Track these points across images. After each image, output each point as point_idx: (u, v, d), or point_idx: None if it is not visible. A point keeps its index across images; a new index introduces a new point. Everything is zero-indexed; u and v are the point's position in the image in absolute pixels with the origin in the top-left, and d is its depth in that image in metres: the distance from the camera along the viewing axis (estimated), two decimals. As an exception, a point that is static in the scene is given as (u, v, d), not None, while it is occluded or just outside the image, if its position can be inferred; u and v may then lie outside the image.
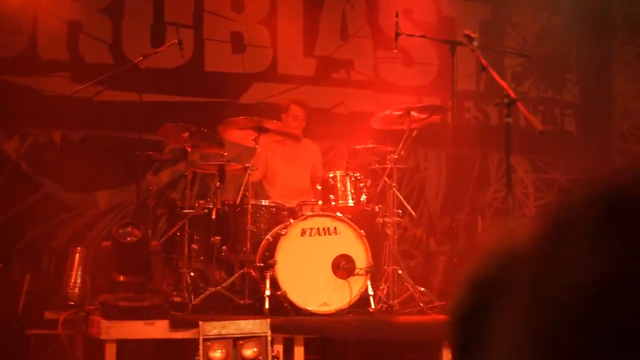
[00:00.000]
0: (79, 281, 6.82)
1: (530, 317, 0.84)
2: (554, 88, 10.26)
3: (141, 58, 7.18)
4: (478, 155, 9.79)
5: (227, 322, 5.51)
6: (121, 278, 6.05)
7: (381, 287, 6.78)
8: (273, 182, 7.76)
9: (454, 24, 9.80)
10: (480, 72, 9.61)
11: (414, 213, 7.37)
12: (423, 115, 7.35)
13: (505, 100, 4.17)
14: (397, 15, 7.22)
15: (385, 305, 6.69)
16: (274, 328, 5.62)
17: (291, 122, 7.66)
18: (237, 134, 7.03)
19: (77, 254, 6.93)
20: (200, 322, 5.43)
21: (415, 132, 7.25)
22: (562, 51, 10.23)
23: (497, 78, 4.32)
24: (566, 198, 0.89)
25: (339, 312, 6.37)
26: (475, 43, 4.54)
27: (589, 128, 10.31)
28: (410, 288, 6.85)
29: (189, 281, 6.55)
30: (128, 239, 6.04)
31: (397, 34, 7.14)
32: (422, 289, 6.92)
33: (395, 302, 6.70)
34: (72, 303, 6.75)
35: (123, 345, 5.67)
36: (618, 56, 10.51)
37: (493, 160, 9.87)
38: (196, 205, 6.86)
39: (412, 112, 7.23)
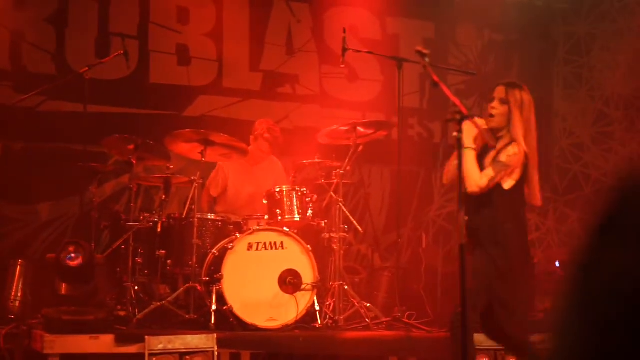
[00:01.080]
0: (19, 294, 6.68)
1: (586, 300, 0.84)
2: (496, 106, 10.37)
3: (86, 68, 7.08)
4: (421, 171, 9.85)
5: (173, 337, 5.45)
6: (64, 291, 5.94)
7: (327, 303, 6.78)
8: (231, 200, 7.72)
9: (399, 41, 9.87)
10: (430, 88, 9.76)
11: (360, 229, 7.39)
12: (369, 131, 7.38)
13: (458, 116, 4.19)
14: (344, 31, 7.24)
15: (332, 321, 6.68)
16: (220, 343, 5.58)
17: (255, 151, 7.72)
18: (183, 147, 6.98)
19: (18, 267, 6.80)
20: (147, 337, 5.37)
21: (361, 147, 7.27)
22: (504, 69, 10.35)
23: (449, 94, 4.34)
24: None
25: (286, 328, 6.35)
26: (427, 59, 4.55)
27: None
28: (357, 304, 6.86)
29: (133, 295, 6.47)
30: (71, 263, 5.92)
31: (345, 49, 7.16)
32: (368, 304, 6.93)
33: (341, 317, 6.70)
34: (13, 317, 6.61)
35: (66, 360, 5.57)
36: (558, 76, 10.68)
37: (437, 177, 9.94)
38: (141, 218, 6.78)
39: (359, 128, 7.25)
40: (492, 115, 4.91)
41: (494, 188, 4.90)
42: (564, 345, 0.88)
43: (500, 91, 4.96)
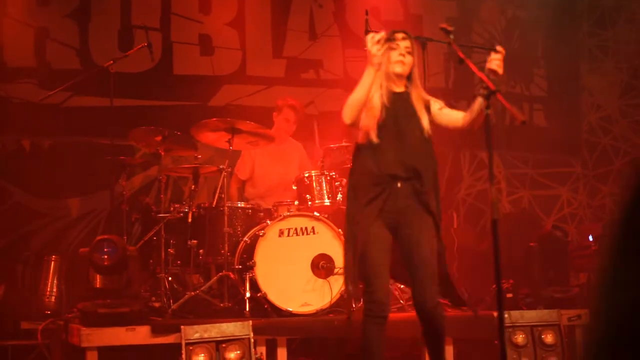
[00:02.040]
0: (54, 290, 6.74)
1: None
2: (522, 83, 10.30)
3: (111, 62, 7.08)
4: (450, 152, 9.80)
5: (208, 326, 5.45)
6: (99, 284, 5.96)
7: (360, 286, 6.74)
8: (259, 182, 7.70)
9: (422, 21, 9.82)
10: (455, 68, 9.73)
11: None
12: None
13: (485, 91, 4.14)
14: (366, 13, 7.14)
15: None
16: (256, 330, 5.57)
17: (282, 123, 7.67)
18: (210, 136, 6.97)
19: (52, 262, 6.85)
20: (182, 327, 5.37)
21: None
22: (529, 45, 10.27)
23: (476, 70, 4.29)
24: None
25: (320, 312, 6.34)
26: (451, 36, 4.50)
27: (558, 122, 10.36)
28: (390, 285, 6.82)
29: (167, 286, 6.49)
30: (105, 263, 5.93)
31: (367, 32, 7.10)
32: (402, 286, 6.90)
33: (375, 300, 6.67)
34: (49, 312, 6.66)
35: (104, 352, 5.59)
36: (583, 49, 10.58)
37: (465, 157, 9.89)
38: (171, 209, 6.80)
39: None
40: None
41: (429, 137, 4.71)
42: (602, 321, 0.87)
43: (405, 39, 4.73)
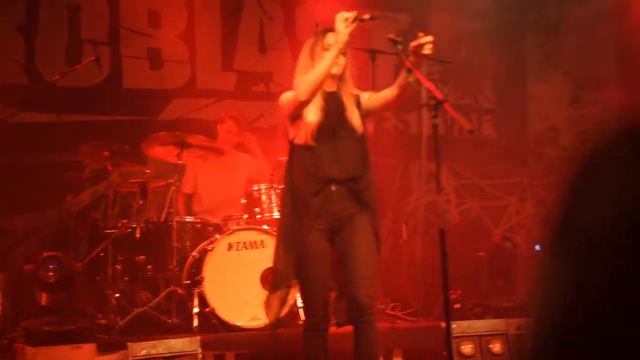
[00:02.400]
0: None
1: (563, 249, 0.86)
2: (470, 94, 10.40)
3: (58, 76, 7.04)
4: (399, 163, 9.86)
5: (156, 342, 5.42)
6: (44, 302, 5.91)
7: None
8: (204, 197, 7.67)
9: (371, 34, 9.87)
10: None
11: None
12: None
13: (432, 101, 4.19)
14: (316, 26, 7.21)
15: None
16: (204, 345, 5.55)
17: (225, 135, 7.66)
18: (159, 150, 6.96)
19: (-2, 281, 6.77)
20: (129, 343, 5.34)
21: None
22: (477, 57, 10.37)
23: (423, 80, 4.34)
24: (599, 134, 0.90)
25: (269, 326, 6.33)
26: (399, 47, 4.55)
27: (506, 132, 10.47)
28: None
29: (114, 303, 6.46)
30: (51, 280, 5.89)
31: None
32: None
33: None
34: (-7, 331, 6.58)
35: (50, 371, 5.55)
36: (531, 60, 10.71)
37: (414, 168, 9.95)
38: (119, 224, 6.77)
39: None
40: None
41: (363, 135, 4.68)
42: (541, 324, 0.89)
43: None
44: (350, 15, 4.60)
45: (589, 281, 0.86)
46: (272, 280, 4.92)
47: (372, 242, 4.57)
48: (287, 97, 4.65)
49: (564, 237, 0.88)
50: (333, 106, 4.63)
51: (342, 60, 4.68)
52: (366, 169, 4.62)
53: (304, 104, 4.53)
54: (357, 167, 4.57)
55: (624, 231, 0.84)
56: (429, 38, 4.52)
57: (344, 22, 4.57)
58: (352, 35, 4.69)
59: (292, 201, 4.63)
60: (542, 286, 0.91)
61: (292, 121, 4.65)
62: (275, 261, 4.85)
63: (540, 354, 0.90)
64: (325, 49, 4.63)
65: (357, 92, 4.79)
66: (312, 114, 4.54)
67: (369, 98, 4.77)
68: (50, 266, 5.87)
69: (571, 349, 0.86)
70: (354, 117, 4.64)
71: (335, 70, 4.64)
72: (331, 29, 4.69)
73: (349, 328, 4.71)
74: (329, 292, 4.71)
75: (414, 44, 4.50)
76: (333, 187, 4.53)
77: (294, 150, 4.64)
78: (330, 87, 4.69)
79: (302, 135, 4.55)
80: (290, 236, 4.64)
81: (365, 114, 4.75)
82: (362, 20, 4.64)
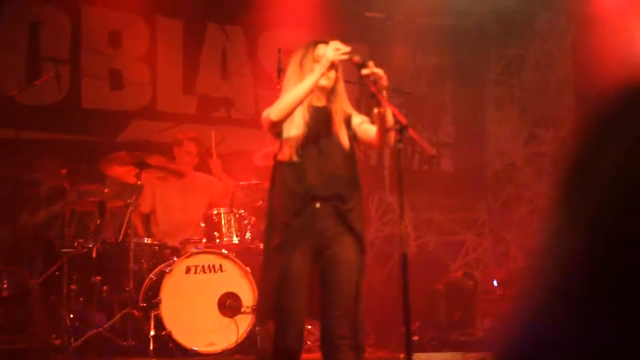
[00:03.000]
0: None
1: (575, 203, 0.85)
2: (430, 128, 10.44)
3: (16, 92, 6.92)
4: (358, 194, 9.83)
5: (111, 364, 5.31)
6: (-3, 319, 5.76)
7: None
8: (162, 219, 7.53)
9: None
10: (367, 110, 9.80)
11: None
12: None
13: (397, 126, 4.17)
14: (279, 52, 7.20)
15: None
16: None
17: (184, 157, 7.55)
18: (118, 170, 6.85)
19: (-52, 297, 6.58)
20: (84, 364, 5.22)
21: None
22: (437, 91, 10.43)
23: (388, 104, 4.31)
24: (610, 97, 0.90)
25: (226, 352, 6.24)
26: (364, 71, 4.47)
27: (465, 167, 10.52)
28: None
29: (69, 323, 6.31)
30: (3, 293, 5.75)
31: (280, 70, 7.10)
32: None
33: (282, 340, 6.60)
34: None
35: (0, 391, 5.39)
36: (490, 96, 10.79)
37: (373, 200, 9.94)
38: (75, 244, 6.63)
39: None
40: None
41: (352, 153, 4.51)
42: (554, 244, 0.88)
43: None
44: (344, 49, 4.42)
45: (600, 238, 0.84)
46: (258, 311, 4.66)
47: (355, 267, 4.30)
48: (264, 114, 4.47)
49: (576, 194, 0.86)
50: (319, 120, 4.43)
51: (332, 74, 4.46)
52: (354, 190, 4.42)
53: (275, 124, 4.35)
54: (343, 185, 4.36)
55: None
56: (380, 70, 4.32)
57: (335, 51, 4.39)
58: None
59: (273, 218, 4.41)
60: (551, 239, 0.89)
61: (276, 136, 4.46)
62: (260, 292, 4.63)
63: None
64: (316, 61, 4.45)
65: (350, 110, 4.58)
66: (295, 128, 4.35)
67: (359, 125, 4.55)
68: (5, 280, 5.72)
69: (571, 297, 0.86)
70: (342, 134, 4.44)
71: (324, 83, 4.43)
72: (323, 41, 4.56)
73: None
74: (306, 320, 4.48)
75: (366, 72, 4.29)
76: (317, 205, 4.30)
77: (277, 168, 4.44)
78: (319, 101, 4.49)
79: (285, 151, 4.35)
80: (270, 262, 4.39)
81: (352, 137, 4.54)
82: (351, 59, 4.50)
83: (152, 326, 6.15)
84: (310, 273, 4.27)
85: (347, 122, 4.51)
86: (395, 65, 10.29)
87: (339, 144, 4.41)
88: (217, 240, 6.69)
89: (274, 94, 8.96)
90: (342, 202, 4.31)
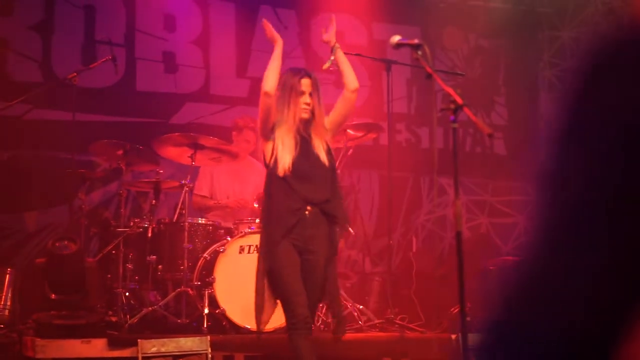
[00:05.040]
0: (8, 303, 6.60)
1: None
2: (483, 110, 10.39)
3: (74, 74, 7.02)
4: (410, 177, 9.84)
5: (166, 340, 5.40)
6: (54, 296, 5.87)
7: (320, 305, 6.73)
8: (217, 199, 7.60)
9: (385, 46, 9.86)
10: (417, 94, 9.82)
11: (352, 230, 7.36)
12: (359, 134, 7.39)
13: (452, 105, 4.17)
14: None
15: (324, 324, 6.64)
16: (214, 346, 5.53)
17: (241, 143, 7.58)
18: (172, 151, 6.93)
19: (7, 275, 6.72)
20: (139, 340, 5.31)
21: (351, 150, 7.28)
22: (490, 74, 10.37)
23: (443, 85, 4.32)
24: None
25: (279, 330, 6.27)
26: (419, 52, 4.51)
27: (517, 150, 10.46)
28: (349, 306, 6.82)
29: (124, 301, 6.41)
30: (64, 252, 5.88)
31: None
32: (361, 306, 6.90)
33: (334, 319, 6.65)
34: (2, 325, 6.53)
35: (58, 364, 5.50)
36: (543, 79, 10.71)
37: (425, 182, 9.93)
38: (131, 224, 6.73)
39: (349, 130, 7.25)
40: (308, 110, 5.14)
41: (333, 168, 5.19)
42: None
43: (309, 85, 5.17)
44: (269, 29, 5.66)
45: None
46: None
47: (330, 271, 5.13)
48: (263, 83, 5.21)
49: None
50: (305, 143, 5.08)
51: (312, 104, 5.10)
52: (335, 194, 5.14)
53: (268, 94, 5.08)
54: (328, 192, 5.07)
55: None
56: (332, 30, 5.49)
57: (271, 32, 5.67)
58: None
59: (268, 225, 5.10)
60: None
61: (265, 140, 5.12)
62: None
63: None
64: (299, 96, 5.10)
65: (324, 123, 5.23)
66: (288, 150, 5.01)
67: (329, 118, 5.27)
68: (65, 241, 5.93)
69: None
70: (322, 154, 5.10)
71: (305, 116, 5.08)
72: (307, 74, 5.29)
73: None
74: (305, 295, 5.03)
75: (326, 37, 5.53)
76: (309, 208, 5.00)
77: (272, 181, 5.08)
78: (304, 129, 5.10)
79: (280, 168, 4.99)
80: (263, 259, 5.16)
81: (336, 130, 5.44)
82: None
83: (205, 304, 6.23)
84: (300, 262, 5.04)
85: (326, 137, 5.23)
86: (447, 47, 10.26)
87: (320, 161, 5.10)
88: (270, 221, 6.72)
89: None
90: (328, 203, 5.06)
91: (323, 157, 5.09)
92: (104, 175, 7.76)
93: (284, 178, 4.97)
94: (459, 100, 4.12)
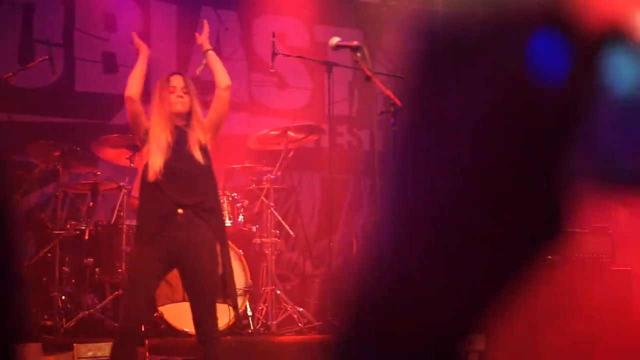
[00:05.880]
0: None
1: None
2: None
3: (10, 74, 6.91)
4: (351, 179, 9.86)
5: (102, 344, 5.33)
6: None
7: (260, 308, 6.72)
8: None
9: (326, 48, 9.87)
10: (359, 96, 9.85)
11: (292, 232, 7.37)
12: (300, 136, 7.39)
13: (392, 108, 4.20)
14: (273, 35, 7.22)
15: (264, 327, 6.62)
16: (151, 350, 5.47)
17: None
18: (110, 153, 6.87)
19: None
20: (75, 345, 5.24)
21: (291, 152, 7.28)
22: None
23: (383, 88, 4.36)
24: None
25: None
26: (359, 54, 4.54)
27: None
28: (289, 309, 6.81)
29: (60, 304, 6.33)
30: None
31: (275, 54, 7.12)
32: (301, 309, 6.89)
33: (274, 322, 6.64)
34: None
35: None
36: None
37: (365, 185, 9.96)
38: (67, 226, 6.65)
39: (290, 132, 7.26)
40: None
41: (210, 164, 5.07)
42: None
43: (180, 81, 5.17)
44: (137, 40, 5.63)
45: None
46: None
47: (214, 269, 4.93)
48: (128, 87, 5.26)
49: None
50: (179, 141, 4.96)
51: (186, 99, 5.07)
52: (210, 195, 5.01)
53: (130, 99, 5.18)
54: (201, 194, 4.92)
55: None
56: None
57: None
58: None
59: (137, 228, 5.09)
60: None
61: (142, 145, 5.08)
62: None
63: None
64: (171, 92, 5.06)
65: (202, 122, 5.15)
66: (160, 152, 4.87)
67: (206, 119, 5.19)
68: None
69: None
70: (196, 153, 4.96)
71: (179, 107, 5.03)
72: (177, 72, 5.32)
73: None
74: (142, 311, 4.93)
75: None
76: (180, 211, 4.83)
77: (143, 187, 4.97)
78: (180, 121, 5.04)
79: (151, 173, 4.86)
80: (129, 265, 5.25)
81: (215, 131, 5.22)
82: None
83: (143, 308, 6.16)
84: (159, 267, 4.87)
85: (202, 132, 5.10)
86: (388, 50, 10.31)
87: (195, 160, 4.94)
88: (210, 223, 6.69)
89: (267, 78, 9.12)
90: (201, 205, 4.89)
91: (198, 155, 4.97)
92: (40, 177, 7.63)
93: (155, 182, 4.85)
94: (399, 104, 4.15)
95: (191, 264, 4.85)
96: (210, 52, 5.57)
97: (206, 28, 5.73)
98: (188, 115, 5.06)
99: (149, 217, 4.91)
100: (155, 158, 4.88)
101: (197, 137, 5.04)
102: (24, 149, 6.90)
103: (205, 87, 9.27)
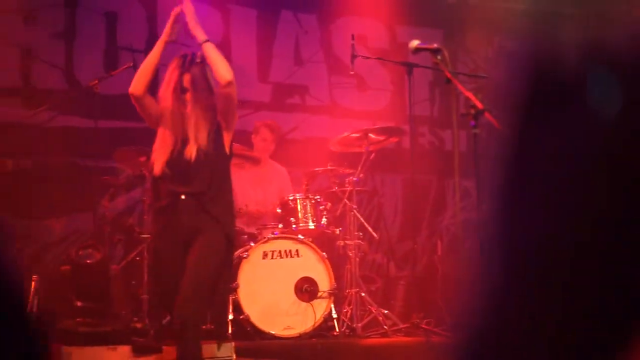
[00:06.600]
0: (35, 310, 6.62)
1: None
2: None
3: (96, 81, 7.05)
4: (433, 179, 9.80)
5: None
6: (80, 303, 5.89)
7: (344, 310, 6.71)
8: (240, 206, 7.57)
9: (407, 49, 9.82)
10: (440, 97, 9.78)
11: (375, 234, 7.35)
12: (381, 138, 7.37)
13: (472, 111, 4.14)
14: (353, 38, 7.21)
15: (349, 329, 6.62)
16: (238, 352, 5.52)
17: (259, 143, 7.58)
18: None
19: (33, 283, 6.74)
20: (164, 347, 5.31)
21: (373, 154, 7.26)
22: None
23: (463, 90, 4.30)
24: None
25: (303, 336, 6.28)
26: (439, 57, 4.50)
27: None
28: (374, 311, 6.78)
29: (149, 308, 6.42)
30: (88, 260, 5.89)
31: (354, 56, 7.13)
32: (386, 311, 6.87)
33: (359, 325, 6.63)
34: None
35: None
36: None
37: (448, 185, 9.89)
38: (154, 230, 6.73)
39: (371, 134, 7.24)
40: None
41: (221, 154, 4.96)
42: None
43: (182, 63, 5.16)
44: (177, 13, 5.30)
45: None
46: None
47: (210, 263, 4.79)
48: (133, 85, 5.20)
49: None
50: (180, 128, 4.91)
51: (187, 74, 5.01)
52: (214, 183, 4.88)
53: (134, 96, 5.16)
54: (204, 182, 4.83)
55: None
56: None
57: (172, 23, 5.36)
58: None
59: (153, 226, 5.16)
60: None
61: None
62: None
63: None
64: (176, 68, 5.14)
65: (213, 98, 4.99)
66: (164, 144, 4.90)
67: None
68: (88, 249, 5.95)
69: None
70: (201, 136, 4.84)
71: (184, 84, 4.98)
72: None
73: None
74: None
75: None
76: (183, 197, 4.81)
77: (154, 180, 5.00)
78: (183, 104, 4.96)
79: (157, 167, 4.87)
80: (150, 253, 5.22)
81: (228, 128, 5.07)
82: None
83: (230, 310, 6.22)
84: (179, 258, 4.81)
85: (214, 110, 4.99)
86: (470, 49, 10.21)
87: (200, 147, 4.84)
88: (294, 226, 6.73)
89: (348, 80, 9.11)
90: (203, 196, 4.82)
91: (202, 139, 4.84)
92: (127, 182, 7.77)
93: (161, 177, 4.83)
94: (479, 105, 4.10)
95: (191, 249, 4.77)
96: (207, 44, 5.24)
97: (189, 6, 5.40)
98: (193, 94, 4.94)
99: (157, 205, 4.94)
100: (159, 151, 4.93)
101: (205, 115, 4.91)
102: (110, 155, 7.02)
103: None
